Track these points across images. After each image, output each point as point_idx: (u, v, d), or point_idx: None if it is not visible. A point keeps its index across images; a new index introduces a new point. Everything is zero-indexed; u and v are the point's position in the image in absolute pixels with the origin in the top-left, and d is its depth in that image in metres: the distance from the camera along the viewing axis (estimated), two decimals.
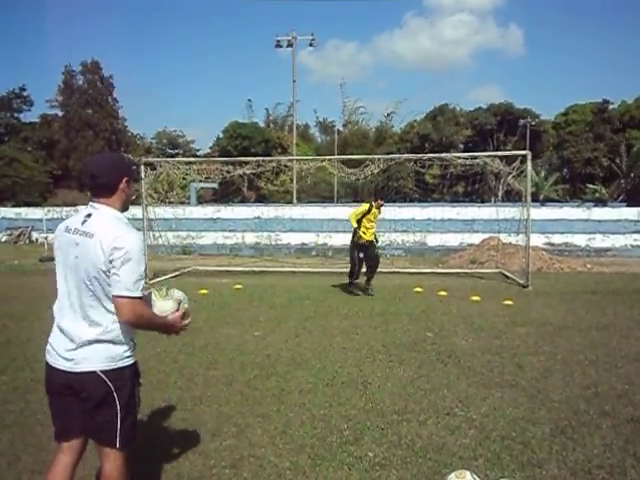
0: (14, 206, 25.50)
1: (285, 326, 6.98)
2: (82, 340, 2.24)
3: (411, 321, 7.24)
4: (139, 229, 12.59)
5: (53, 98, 44.88)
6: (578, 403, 4.20)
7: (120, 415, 2.29)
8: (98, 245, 2.18)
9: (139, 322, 2.28)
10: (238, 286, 10.46)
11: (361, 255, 9.56)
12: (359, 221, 9.48)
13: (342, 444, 3.52)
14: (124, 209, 2.40)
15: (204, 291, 9.77)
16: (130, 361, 2.35)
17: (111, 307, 2.23)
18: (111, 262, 2.17)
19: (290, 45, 27.53)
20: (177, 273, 12.67)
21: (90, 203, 2.34)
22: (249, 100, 48.02)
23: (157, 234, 12.90)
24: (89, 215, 2.28)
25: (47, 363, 2.35)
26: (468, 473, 2.84)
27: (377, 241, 10.02)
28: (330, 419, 3.93)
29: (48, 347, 2.35)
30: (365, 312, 7.84)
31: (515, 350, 5.76)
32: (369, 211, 9.48)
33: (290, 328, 6.85)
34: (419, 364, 5.27)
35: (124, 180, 2.34)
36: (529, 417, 3.93)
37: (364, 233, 9.48)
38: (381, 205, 9.67)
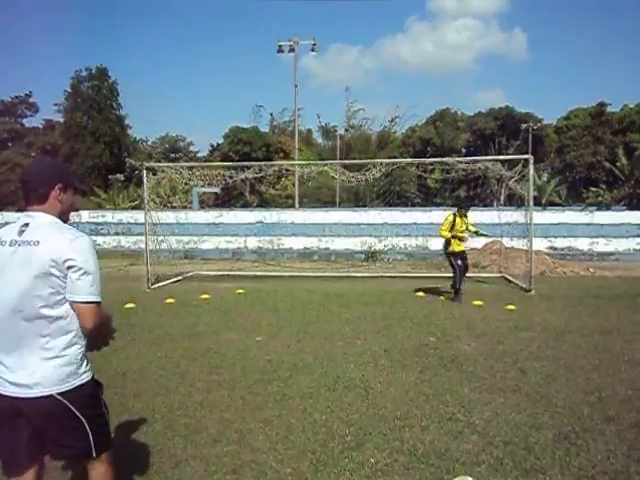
0: (17, 211, 25.56)
1: (287, 331, 6.97)
2: (31, 362, 2.09)
3: (413, 326, 7.22)
4: (141, 233, 12.65)
5: (61, 102, 45.07)
6: (581, 408, 4.18)
7: (90, 429, 2.19)
8: (46, 252, 2.05)
9: (100, 328, 2.18)
10: (240, 291, 10.45)
11: (459, 262, 9.56)
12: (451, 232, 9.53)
13: (344, 450, 3.51)
14: (63, 219, 2.24)
15: (206, 296, 9.77)
16: (88, 377, 2.22)
17: (63, 320, 2.11)
18: (68, 269, 2.05)
19: (292, 50, 27.59)
20: (179, 278, 12.67)
21: (25, 212, 2.21)
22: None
23: (159, 238, 12.92)
24: (26, 224, 2.13)
25: None
26: (470, 479, 2.82)
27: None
28: (332, 424, 3.91)
29: None
30: (367, 317, 7.82)
31: (518, 355, 5.74)
32: (454, 222, 9.52)
33: (292, 333, 6.83)
34: (421, 369, 5.25)
35: (57, 187, 2.19)
36: (532, 422, 3.91)
37: (457, 244, 9.55)
38: (463, 215, 9.67)
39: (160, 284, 11.55)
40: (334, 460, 3.37)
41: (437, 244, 17.85)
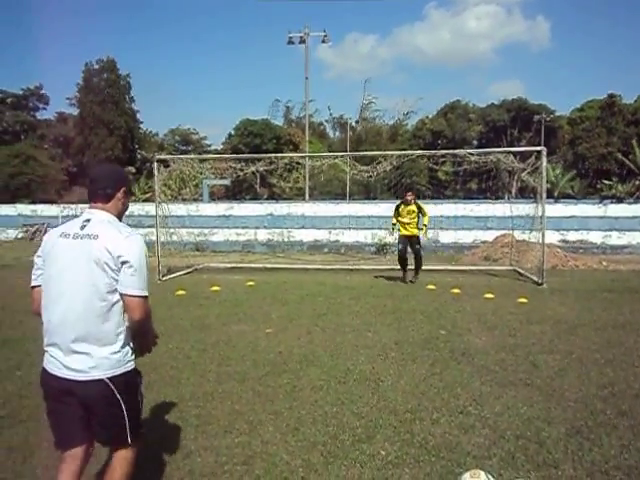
0: (30, 203, 25.80)
1: (297, 323, 6.97)
2: (86, 347, 2.27)
3: (424, 319, 7.19)
4: (152, 225, 12.71)
5: (73, 96, 45.32)
6: (594, 403, 4.14)
7: (127, 416, 2.36)
8: (104, 246, 2.25)
9: (147, 321, 2.37)
10: (250, 283, 10.47)
11: (400, 247, 10.62)
12: (398, 217, 10.59)
13: (354, 442, 3.51)
14: (119, 219, 2.46)
15: (216, 288, 9.80)
16: (132, 365, 2.41)
17: (114, 310, 2.29)
18: (122, 264, 2.25)
19: (303, 42, 27.42)
20: (190, 270, 12.72)
21: (87, 210, 2.43)
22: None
23: (170, 231, 12.96)
24: (88, 220, 2.36)
25: (45, 370, 2.35)
26: (482, 473, 2.80)
27: (424, 235, 10.80)
28: (342, 417, 3.91)
29: (47, 355, 2.35)
30: (378, 309, 7.81)
31: (530, 348, 5.70)
32: (398, 207, 10.60)
33: (302, 325, 6.84)
34: (432, 362, 5.23)
35: (122, 190, 2.46)
36: (544, 416, 3.88)
37: (399, 228, 10.61)
38: (406, 202, 10.50)
39: (171, 276, 11.61)
40: (344, 452, 3.37)
41: (447, 237, 17.88)
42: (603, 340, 6.03)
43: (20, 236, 21.57)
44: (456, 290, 9.45)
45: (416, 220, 10.49)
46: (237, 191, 35.80)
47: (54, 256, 2.33)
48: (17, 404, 4.21)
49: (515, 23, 79.47)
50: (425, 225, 10.62)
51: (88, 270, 2.25)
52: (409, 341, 6.01)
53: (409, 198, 10.51)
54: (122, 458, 2.43)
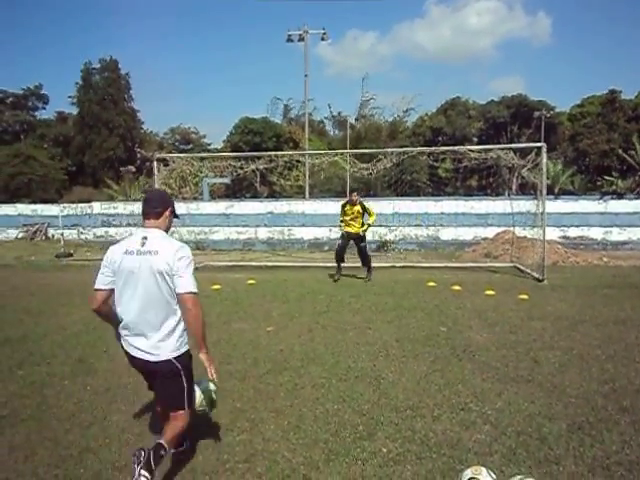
0: (30, 203, 25.79)
1: (298, 321, 6.98)
2: (155, 336, 2.92)
3: (425, 316, 7.19)
4: None
5: (74, 95, 45.28)
6: (596, 399, 4.14)
7: (187, 386, 3.04)
8: (164, 259, 2.89)
9: (200, 312, 2.95)
10: (251, 281, 10.48)
11: (340, 242, 10.85)
12: (344, 216, 10.68)
13: (356, 439, 3.51)
14: (166, 232, 3.10)
15: (217, 286, 9.80)
16: (187, 347, 3.06)
17: (174, 306, 2.94)
18: (177, 270, 2.88)
19: (302, 39, 27.33)
20: None
21: (142, 228, 3.05)
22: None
23: (171, 229, 12.93)
24: (145, 237, 2.96)
25: (127, 353, 3.04)
26: (484, 469, 2.81)
27: (364, 235, 10.79)
28: (343, 414, 3.92)
29: (126, 343, 3.01)
30: (378, 307, 7.81)
31: (531, 345, 5.70)
32: (344, 208, 10.64)
33: (303, 323, 6.84)
34: (433, 359, 5.24)
35: (169, 209, 3.11)
36: (545, 413, 3.88)
37: (346, 227, 10.68)
38: (351, 202, 10.46)
39: None
40: (346, 449, 3.37)
41: (448, 234, 17.88)
42: (604, 336, 6.03)
43: (20, 236, 21.55)
44: (457, 287, 9.46)
45: (361, 219, 10.57)
46: (237, 189, 35.78)
47: (122, 270, 2.92)
48: (18, 403, 4.22)
49: (516, 19, 79.30)
50: (369, 224, 10.64)
51: (153, 279, 2.88)
52: (410, 338, 6.01)
53: (354, 199, 10.52)
54: (180, 417, 3.02)
